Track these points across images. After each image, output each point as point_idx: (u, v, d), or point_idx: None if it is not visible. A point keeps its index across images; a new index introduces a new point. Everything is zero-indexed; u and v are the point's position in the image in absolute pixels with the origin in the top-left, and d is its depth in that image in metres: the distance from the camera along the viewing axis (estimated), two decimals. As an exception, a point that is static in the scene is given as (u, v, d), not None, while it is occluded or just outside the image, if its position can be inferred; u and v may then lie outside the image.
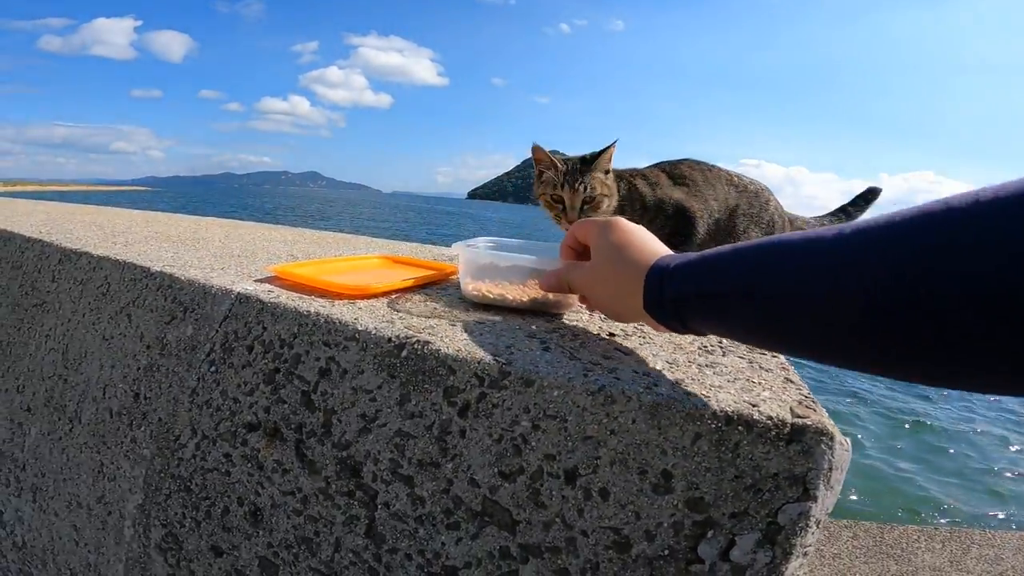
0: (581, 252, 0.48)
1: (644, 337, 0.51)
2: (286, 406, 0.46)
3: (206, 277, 0.56)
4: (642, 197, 0.73)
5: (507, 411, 0.40)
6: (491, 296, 0.55)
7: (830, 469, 0.35)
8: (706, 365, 0.45)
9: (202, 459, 0.50)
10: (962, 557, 2.16)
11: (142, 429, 0.54)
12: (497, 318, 0.52)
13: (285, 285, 0.54)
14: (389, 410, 0.43)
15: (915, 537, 2.27)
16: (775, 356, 0.51)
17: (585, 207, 0.71)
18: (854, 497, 3.40)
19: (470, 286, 0.55)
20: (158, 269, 0.59)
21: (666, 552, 0.36)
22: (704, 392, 0.38)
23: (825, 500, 0.35)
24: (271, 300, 0.49)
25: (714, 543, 0.36)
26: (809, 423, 0.35)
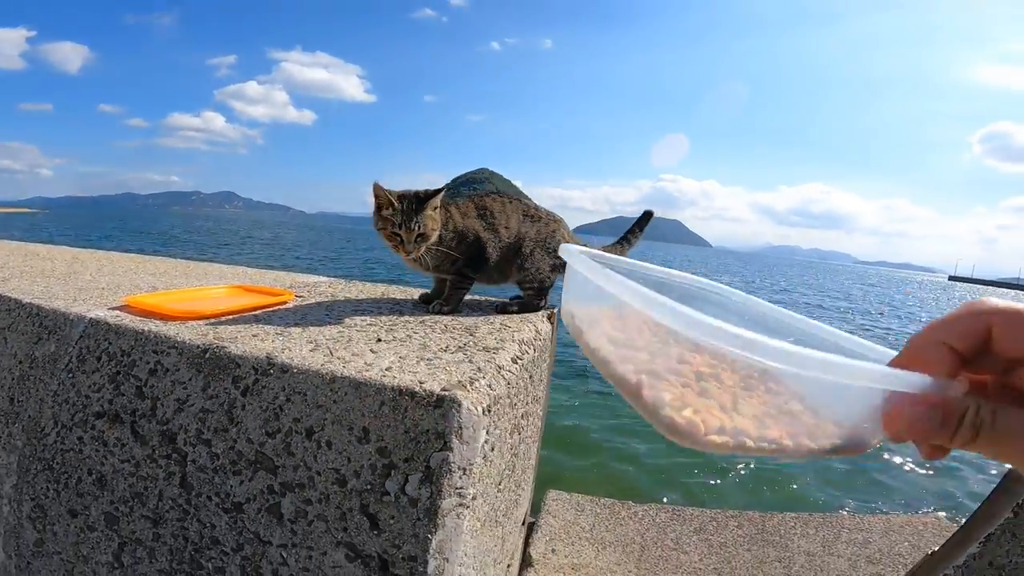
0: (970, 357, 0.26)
1: (400, 341, 0.71)
2: (124, 398, 0.63)
3: (67, 306, 0.73)
4: (454, 224, 0.94)
5: (271, 390, 0.59)
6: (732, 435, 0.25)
7: (460, 428, 0.54)
8: (427, 359, 0.65)
9: (61, 443, 0.66)
10: (833, 541, 2.43)
11: (16, 425, 0.69)
12: (277, 328, 0.71)
13: (133, 311, 0.72)
14: (195, 395, 0.61)
15: (792, 524, 2.52)
16: (495, 352, 0.71)
17: (419, 240, 0.88)
18: (738, 492, 3.63)
19: (666, 395, 0.26)
20: (28, 301, 0.76)
21: (368, 487, 0.56)
22: (392, 374, 0.58)
23: (462, 452, 0.55)
24: (116, 323, 0.67)
25: (396, 480, 0.55)
26: (447, 395, 0.55)
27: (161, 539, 0.62)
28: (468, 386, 0.58)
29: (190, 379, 0.61)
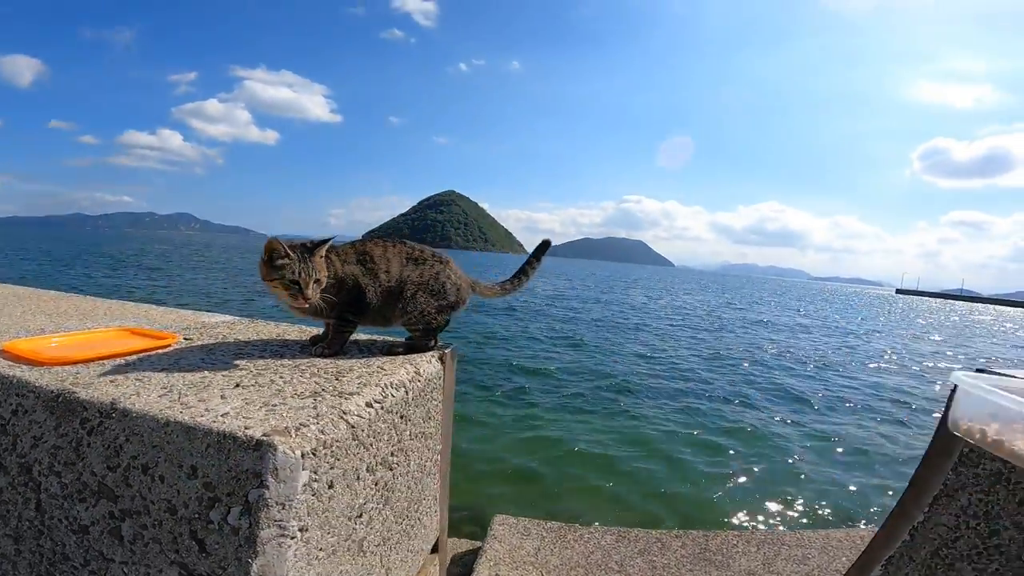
0: None
1: (259, 387, 0.78)
2: (-12, 436, 0.70)
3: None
4: (335, 270, 1.01)
5: (112, 431, 0.65)
6: None
7: (276, 468, 0.61)
8: (272, 405, 0.72)
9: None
10: (774, 559, 2.47)
11: None
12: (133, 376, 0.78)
13: (9, 356, 0.78)
14: (49, 433, 0.68)
15: (735, 543, 2.56)
16: (348, 397, 0.78)
17: (315, 284, 0.95)
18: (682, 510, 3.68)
19: None
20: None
21: (196, 515, 0.62)
22: (226, 420, 0.65)
23: (279, 489, 0.62)
24: (-10, 368, 0.74)
25: (219, 511, 0.62)
26: (265, 440, 0.62)
27: (21, 554, 0.68)
28: (292, 432, 0.65)
29: (45, 419, 0.68)
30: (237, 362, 0.90)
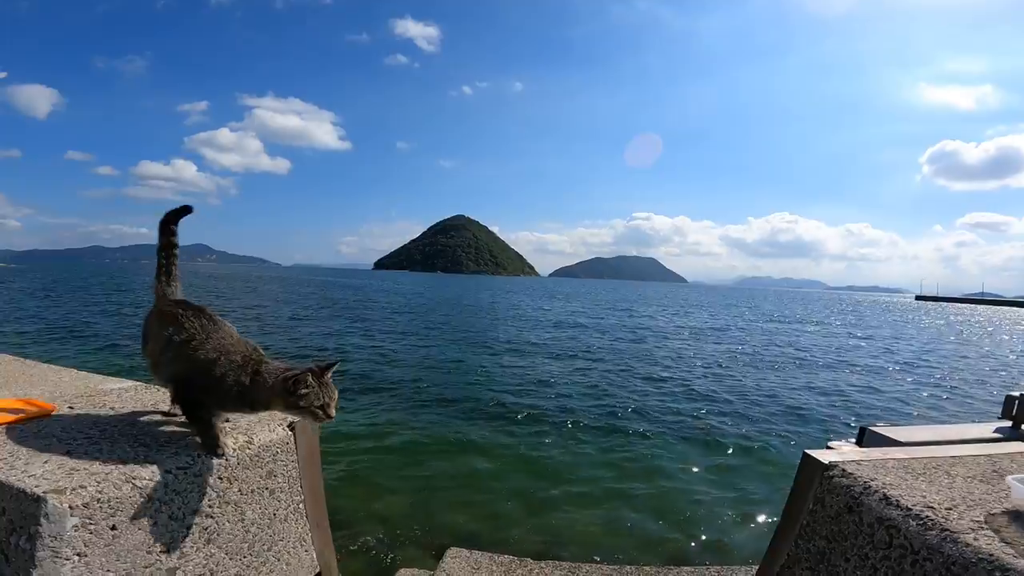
0: None
1: (80, 455, 1.06)
2: None
3: None
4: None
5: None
6: None
7: (47, 514, 0.88)
8: (71, 469, 0.99)
9: None
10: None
11: None
12: None
13: None
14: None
15: None
16: (142, 465, 1.03)
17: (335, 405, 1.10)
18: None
19: None
20: None
21: (3, 539, 0.91)
22: (24, 477, 0.94)
23: (50, 527, 0.88)
24: None
25: (16, 536, 0.91)
26: (42, 496, 0.89)
27: None
28: (67, 491, 0.92)
29: None
30: (89, 432, 1.21)
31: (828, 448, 1.13)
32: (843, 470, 0.95)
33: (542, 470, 4.92)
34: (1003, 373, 13.40)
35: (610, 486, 4.60)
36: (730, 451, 5.80)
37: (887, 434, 1.24)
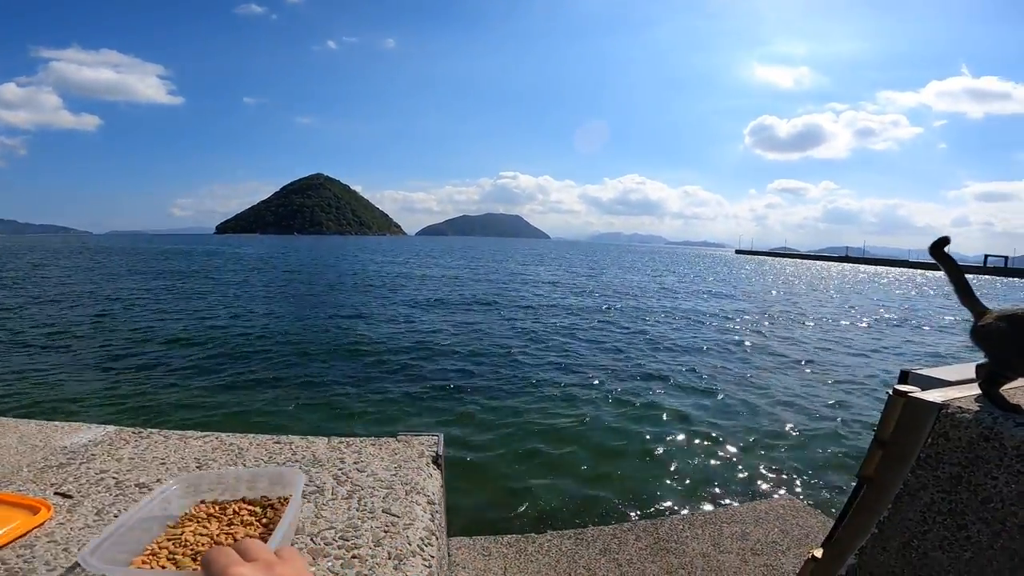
0: None
1: None
2: None
3: None
4: None
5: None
6: None
7: None
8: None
9: None
10: (720, 538, 2.69)
11: None
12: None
13: None
14: None
15: (681, 527, 2.77)
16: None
17: None
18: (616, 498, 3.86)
19: None
20: None
21: None
22: None
23: None
24: None
25: None
26: None
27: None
28: None
29: None
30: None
31: (901, 387, 1.29)
32: (960, 407, 1.01)
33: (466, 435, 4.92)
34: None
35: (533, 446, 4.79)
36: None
37: (935, 375, 1.45)
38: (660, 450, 4.77)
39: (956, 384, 1.26)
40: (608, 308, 14.93)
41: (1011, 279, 59.21)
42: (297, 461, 1.11)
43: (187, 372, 6.81)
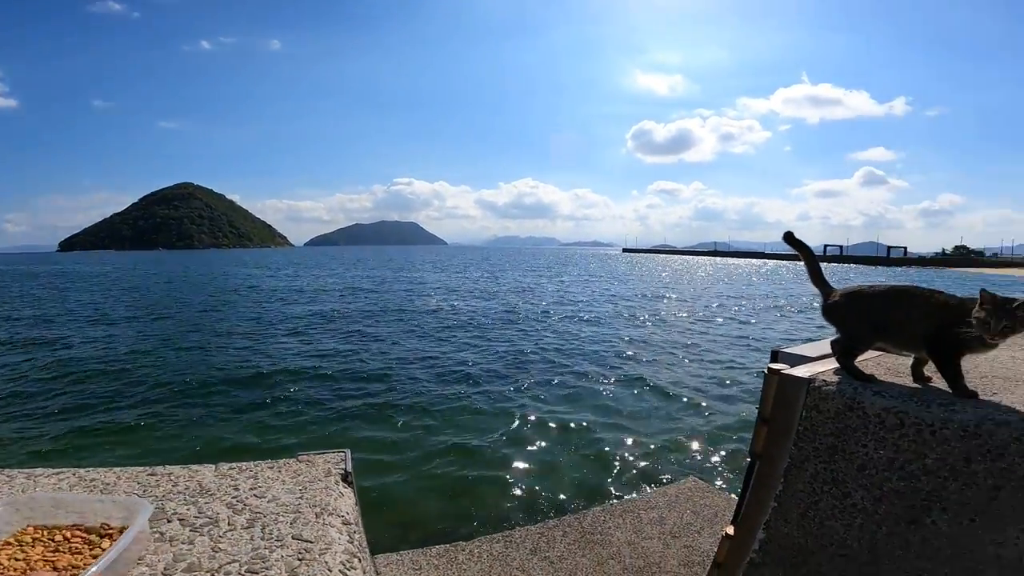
0: None
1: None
2: None
3: None
4: None
5: None
6: None
7: None
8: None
9: None
10: (640, 525, 2.79)
11: None
12: None
13: None
14: None
15: (603, 518, 2.82)
16: None
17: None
18: (563, 495, 3.98)
19: None
20: None
21: None
22: None
23: None
24: None
25: None
26: None
27: None
28: None
29: None
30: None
31: (773, 366, 1.39)
32: (824, 380, 1.08)
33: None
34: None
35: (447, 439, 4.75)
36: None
37: (799, 352, 1.57)
38: (572, 446, 4.90)
39: (818, 359, 1.37)
40: (510, 311, 15.21)
41: (847, 265, 72.41)
42: (180, 493, 0.98)
43: (37, 413, 5.83)
